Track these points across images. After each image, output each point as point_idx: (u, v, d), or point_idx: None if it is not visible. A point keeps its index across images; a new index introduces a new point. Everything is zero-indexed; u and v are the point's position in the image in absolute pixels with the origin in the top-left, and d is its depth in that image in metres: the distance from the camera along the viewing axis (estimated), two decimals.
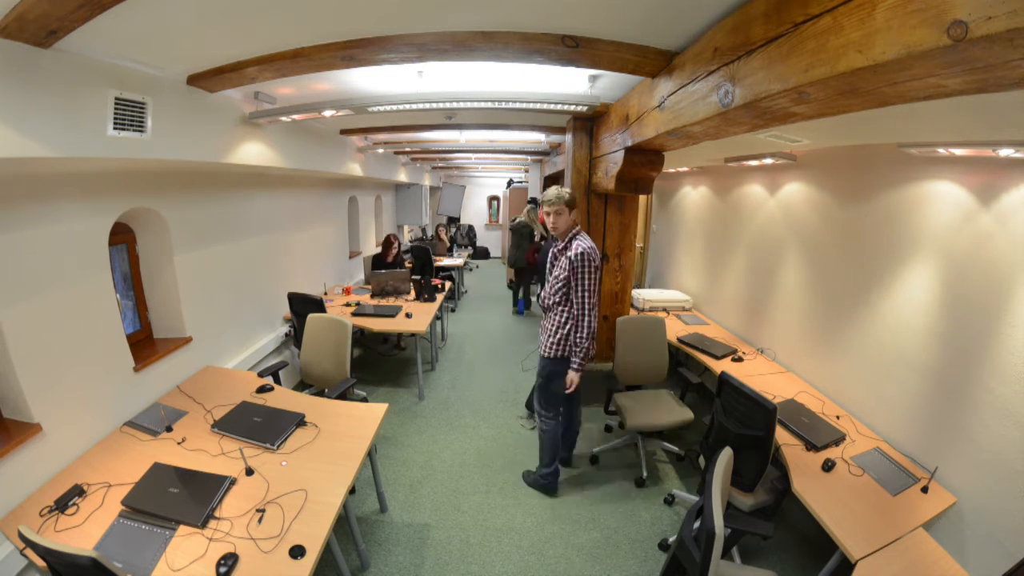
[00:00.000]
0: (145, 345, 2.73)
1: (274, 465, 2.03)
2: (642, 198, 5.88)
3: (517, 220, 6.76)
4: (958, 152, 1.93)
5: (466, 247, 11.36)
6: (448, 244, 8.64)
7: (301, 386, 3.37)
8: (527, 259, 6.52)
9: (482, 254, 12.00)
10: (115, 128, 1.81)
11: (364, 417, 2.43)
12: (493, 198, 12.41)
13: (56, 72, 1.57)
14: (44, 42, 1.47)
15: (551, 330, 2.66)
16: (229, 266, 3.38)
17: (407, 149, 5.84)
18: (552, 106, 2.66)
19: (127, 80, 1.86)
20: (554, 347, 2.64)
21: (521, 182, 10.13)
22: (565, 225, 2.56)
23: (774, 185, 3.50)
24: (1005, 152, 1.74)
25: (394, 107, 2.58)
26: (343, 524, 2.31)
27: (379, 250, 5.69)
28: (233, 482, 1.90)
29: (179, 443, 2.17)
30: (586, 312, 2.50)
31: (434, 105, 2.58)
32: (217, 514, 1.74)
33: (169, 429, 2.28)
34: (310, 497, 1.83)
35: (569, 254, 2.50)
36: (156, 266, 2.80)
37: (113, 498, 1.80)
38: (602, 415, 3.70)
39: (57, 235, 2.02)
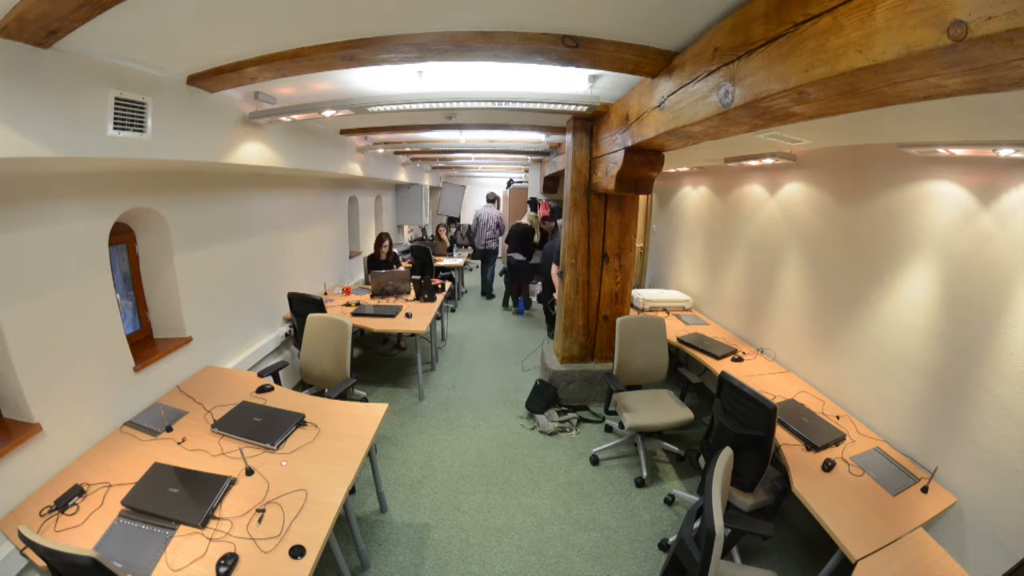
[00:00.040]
0: (145, 345, 2.73)
1: (274, 465, 2.03)
2: (642, 198, 5.89)
3: (518, 223, 6.81)
4: (958, 152, 1.93)
5: (466, 247, 11.36)
6: (448, 244, 8.64)
7: (301, 386, 3.37)
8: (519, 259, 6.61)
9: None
10: (115, 128, 1.81)
11: (364, 417, 2.43)
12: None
13: (56, 72, 1.57)
14: (44, 42, 1.47)
15: None
16: (229, 266, 3.38)
17: (407, 149, 5.84)
18: (552, 106, 2.66)
19: (127, 80, 1.86)
20: None
21: (521, 182, 10.13)
22: None
23: (774, 185, 3.50)
24: (1005, 152, 1.74)
25: (394, 107, 2.58)
26: (343, 524, 2.31)
27: (373, 251, 5.70)
28: (233, 482, 1.90)
29: (179, 443, 2.17)
30: None
31: (434, 105, 2.58)
32: (217, 514, 1.74)
33: (169, 429, 2.28)
34: (310, 497, 1.83)
35: None
36: (156, 266, 2.80)
37: (113, 498, 1.80)
38: (602, 415, 3.72)
39: (57, 235, 2.02)
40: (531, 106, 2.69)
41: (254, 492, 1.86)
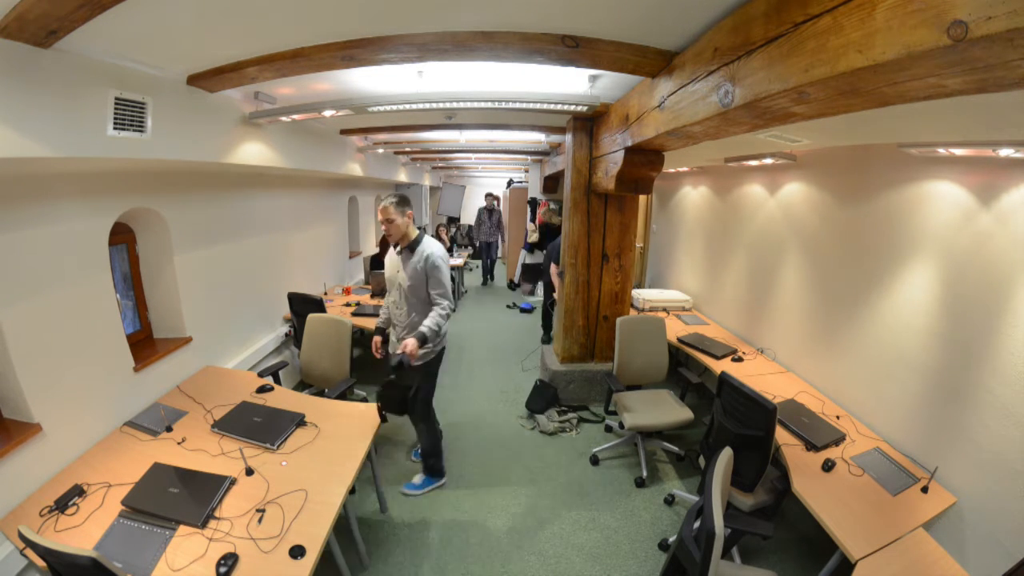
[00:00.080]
0: (145, 345, 2.73)
1: (274, 465, 2.03)
2: (642, 198, 5.88)
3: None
4: (958, 152, 1.93)
5: (466, 247, 11.36)
6: (448, 244, 8.65)
7: (301, 386, 3.37)
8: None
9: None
10: (115, 128, 1.81)
11: (364, 417, 2.43)
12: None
13: (56, 72, 1.57)
14: (44, 42, 1.47)
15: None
16: (229, 266, 3.38)
17: (407, 149, 5.84)
18: (552, 106, 2.66)
19: (127, 80, 1.86)
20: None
21: (521, 182, 10.12)
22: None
23: (774, 185, 3.50)
24: (1005, 152, 1.73)
25: (394, 107, 2.58)
26: (343, 524, 2.31)
27: (378, 250, 5.70)
28: (233, 482, 1.90)
29: (179, 443, 2.17)
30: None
31: (434, 105, 2.58)
32: (217, 514, 1.74)
33: (169, 429, 2.28)
34: (310, 497, 1.83)
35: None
36: (156, 266, 2.80)
37: (113, 498, 1.80)
38: (602, 415, 3.71)
39: (57, 235, 2.02)
40: (531, 106, 2.69)
41: (254, 492, 1.86)
